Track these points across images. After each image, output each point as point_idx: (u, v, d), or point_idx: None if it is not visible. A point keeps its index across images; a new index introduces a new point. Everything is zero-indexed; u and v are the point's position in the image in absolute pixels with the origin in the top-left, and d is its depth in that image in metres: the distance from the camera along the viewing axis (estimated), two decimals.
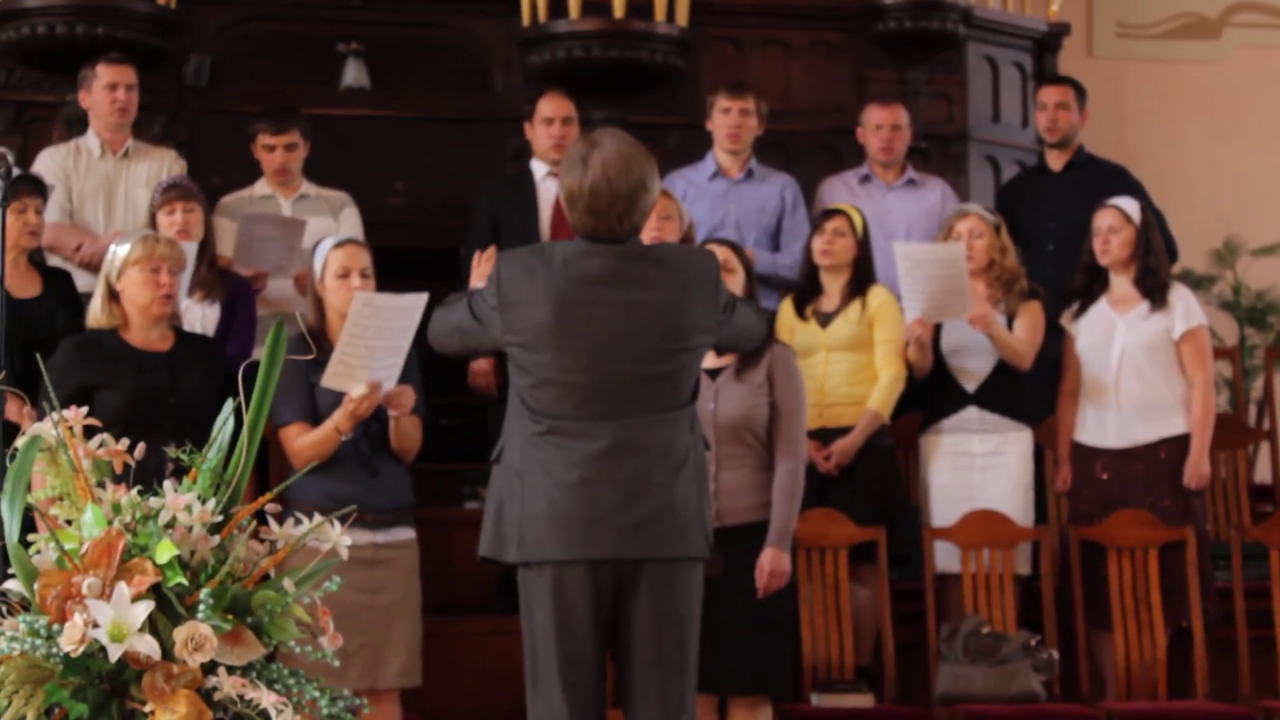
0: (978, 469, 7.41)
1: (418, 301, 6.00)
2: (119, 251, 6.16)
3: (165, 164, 7.82)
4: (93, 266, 7.14)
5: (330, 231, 7.30)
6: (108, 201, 7.74)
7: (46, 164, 7.69)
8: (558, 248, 5.02)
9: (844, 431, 7.23)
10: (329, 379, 6.02)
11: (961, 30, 9.56)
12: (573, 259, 4.92)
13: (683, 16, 9.08)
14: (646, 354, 4.88)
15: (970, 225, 7.46)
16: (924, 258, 7.31)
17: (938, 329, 7.44)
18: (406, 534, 6.35)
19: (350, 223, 7.68)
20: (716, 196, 8.25)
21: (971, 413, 7.43)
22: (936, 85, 9.60)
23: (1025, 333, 7.41)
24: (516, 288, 4.90)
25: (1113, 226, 7.48)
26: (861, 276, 7.38)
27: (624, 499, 4.85)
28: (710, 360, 6.04)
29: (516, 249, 5.18)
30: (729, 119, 8.24)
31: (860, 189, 8.50)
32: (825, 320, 7.36)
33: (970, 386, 7.44)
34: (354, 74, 9.11)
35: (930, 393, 7.52)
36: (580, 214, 4.90)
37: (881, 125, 8.53)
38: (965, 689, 6.89)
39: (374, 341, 5.99)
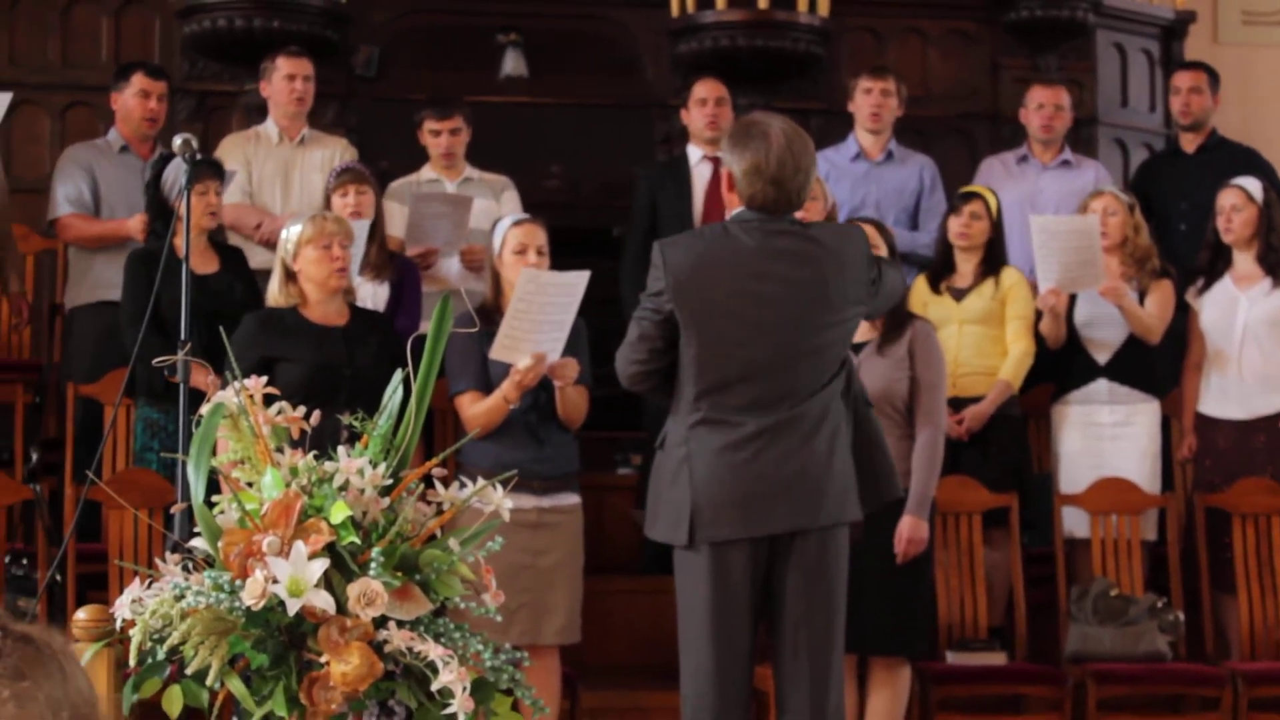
0: (1107, 438, 7.35)
1: (580, 278, 5.98)
2: (291, 233, 6.16)
3: (337, 151, 7.88)
4: (271, 244, 7.20)
5: (492, 213, 7.32)
6: (284, 185, 7.82)
7: (228, 150, 7.79)
8: (717, 227, 4.97)
9: (974, 400, 7.19)
10: (497, 351, 6.01)
11: (1091, 19, 9.51)
12: (734, 234, 4.85)
13: (824, 7, 9.07)
14: (804, 328, 4.80)
15: (1105, 204, 7.39)
16: (1059, 229, 7.25)
17: (1071, 303, 7.37)
18: (571, 499, 6.29)
19: (511, 205, 7.68)
20: (858, 177, 8.22)
21: (1101, 385, 7.36)
22: (1067, 71, 9.52)
23: (1156, 309, 7.32)
24: (682, 266, 4.82)
25: (1235, 205, 7.41)
26: (994, 257, 7.35)
27: (782, 476, 4.77)
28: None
29: (675, 235, 5.13)
30: (870, 99, 8.22)
31: (1016, 168, 8.48)
32: (959, 295, 7.31)
33: (1102, 358, 7.36)
34: (513, 63, 9.16)
35: (1062, 365, 7.44)
36: (764, 185, 4.79)
37: (1044, 104, 8.47)
38: (1094, 648, 6.83)
39: (539, 316, 5.97)
